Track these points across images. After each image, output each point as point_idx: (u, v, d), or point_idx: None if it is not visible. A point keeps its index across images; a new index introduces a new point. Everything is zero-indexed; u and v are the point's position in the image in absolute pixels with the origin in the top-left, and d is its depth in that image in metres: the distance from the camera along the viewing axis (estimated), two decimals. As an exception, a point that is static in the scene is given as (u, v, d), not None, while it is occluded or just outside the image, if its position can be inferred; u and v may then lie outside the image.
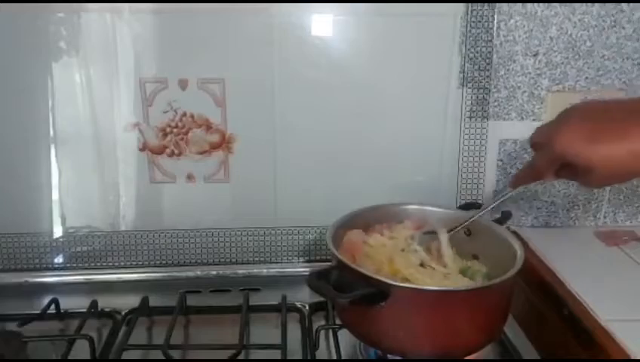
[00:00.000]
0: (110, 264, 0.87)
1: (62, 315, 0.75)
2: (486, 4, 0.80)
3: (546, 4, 0.81)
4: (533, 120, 0.86)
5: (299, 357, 0.68)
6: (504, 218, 0.77)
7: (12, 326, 0.70)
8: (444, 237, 0.71)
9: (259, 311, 0.77)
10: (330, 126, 0.84)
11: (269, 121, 0.83)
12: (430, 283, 0.63)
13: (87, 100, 0.81)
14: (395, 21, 0.80)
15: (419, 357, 0.60)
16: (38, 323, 0.71)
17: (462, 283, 0.66)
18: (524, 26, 0.82)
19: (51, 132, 0.82)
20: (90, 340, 0.67)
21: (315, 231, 0.88)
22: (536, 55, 0.83)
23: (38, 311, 0.73)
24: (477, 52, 0.82)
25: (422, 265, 0.68)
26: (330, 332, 0.71)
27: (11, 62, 0.78)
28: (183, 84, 0.81)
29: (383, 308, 0.58)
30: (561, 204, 0.91)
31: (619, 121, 0.56)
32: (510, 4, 0.81)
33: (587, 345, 0.64)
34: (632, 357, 0.59)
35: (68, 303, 0.76)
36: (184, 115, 0.82)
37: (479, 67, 0.83)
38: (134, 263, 0.87)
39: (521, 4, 0.81)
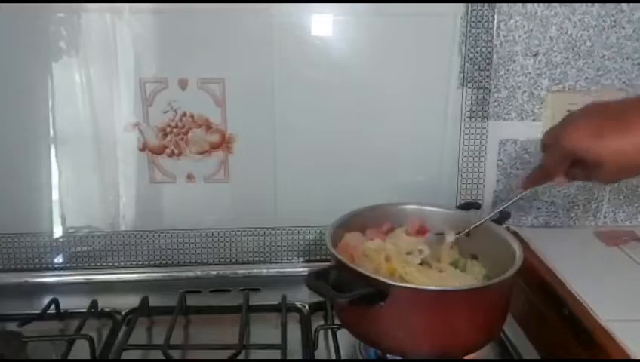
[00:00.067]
0: (110, 264, 0.87)
1: (62, 315, 0.75)
2: (486, 4, 0.80)
3: (546, 4, 0.81)
4: (533, 120, 0.86)
5: (299, 357, 0.68)
6: (503, 218, 0.77)
7: (12, 326, 0.70)
8: (450, 238, 0.72)
9: (259, 311, 0.77)
10: (330, 126, 0.84)
11: (269, 121, 0.83)
12: (427, 281, 0.63)
13: (87, 100, 0.81)
14: (395, 21, 0.80)
15: (418, 357, 0.60)
16: (38, 323, 0.71)
17: (455, 276, 0.66)
18: (524, 26, 0.82)
19: (51, 132, 0.82)
20: (90, 340, 0.67)
21: (315, 231, 0.88)
22: (536, 55, 0.83)
23: (38, 311, 0.73)
24: (477, 52, 0.82)
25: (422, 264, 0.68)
26: (330, 332, 0.71)
27: (11, 62, 0.78)
28: (183, 84, 0.81)
29: (382, 308, 0.58)
30: (561, 204, 0.91)
31: (621, 116, 0.57)
32: (510, 4, 0.81)
33: (587, 345, 0.64)
34: (632, 357, 0.59)
35: (68, 303, 0.77)
36: (184, 115, 0.82)
37: (479, 67, 0.83)
38: (134, 263, 0.87)
39: (521, 4, 0.81)
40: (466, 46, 0.82)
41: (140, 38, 0.79)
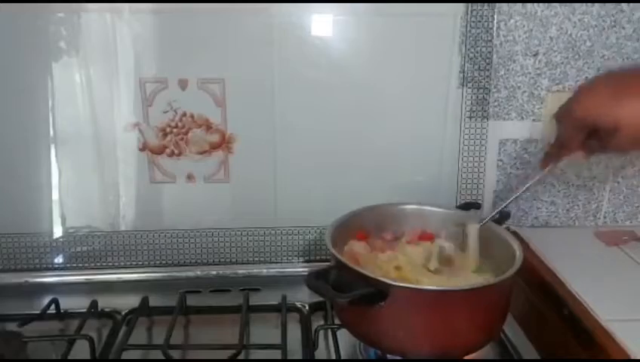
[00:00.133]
0: (110, 264, 0.87)
1: (62, 315, 0.75)
2: (486, 4, 0.80)
3: (546, 4, 0.81)
4: (533, 120, 0.86)
5: (299, 357, 0.68)
6: (503, 218, 0.77)
7: (12, 327, 0.70)
8: (473, 229, 0.71)
9: (259, 311, 0.77)
10: (330, 126, 0.84)
11: (269, 121, 0.83)
12: (429, 282, 0.63)
13: (87, 100, 0.81)
14: (395, 21, 0.80)
15: (418, 357, 0.60)
16: (38, 323, 0.71)
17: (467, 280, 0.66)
18: (524, 26, 0.82)
19: (51, 132, 0.82)
20: (90, 340, 0.67)
21: (315, 231, 0.88)
22: (536, 55, 0.83)
23: (38, 311, 0.73)
24: (477, 52, 0.82)
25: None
26: (330, 332, 0.71)
27: (11, 62, 0.78)
28: (183, 84, 0.81)
29: (382, 308, 0.58)
30: (561, 204, 0.91)
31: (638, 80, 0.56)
32: (510, 4, 0.81)
33: (587, 345, 0.64)
34: (632, 357, 0.59)
35: (68, 303, 0.77)
36: (184, 115, 0.82)
37: (479, 67, 0.83)
38: (134, 263, 0.87)
39: (521, 4, 0.81)
40: (466, 46, 0.82)
41: (140, 38, 0.79)
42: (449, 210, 0.78)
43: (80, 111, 0.81)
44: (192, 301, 0.78)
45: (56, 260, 0.87)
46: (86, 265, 0.87)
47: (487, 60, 0.83)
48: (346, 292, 0.56)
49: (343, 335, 0.68)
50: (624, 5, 0.82)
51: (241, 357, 0.65)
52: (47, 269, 0.86)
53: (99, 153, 0.83)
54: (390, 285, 0.57)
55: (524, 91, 0.85)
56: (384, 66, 0.82)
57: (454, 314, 0.59)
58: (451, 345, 0.61)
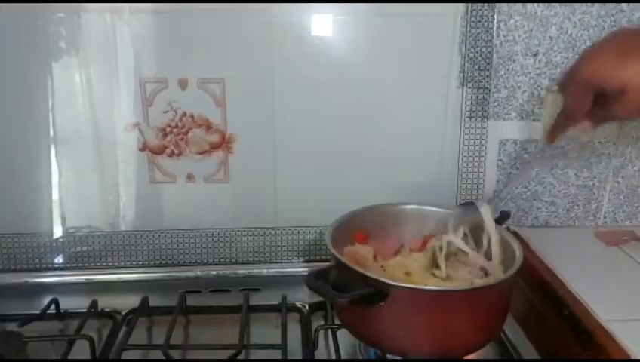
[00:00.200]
0: (110, 264, 0.87)
1: (62, 315, 0.75)
2: (486, 4, 0.80)
3: (546, 4, 0.81)
4: (533, 120, 0.86)
5: (299, 357, 0.68)
6: (503, 218, 0.77)
7: (12, 327, 0.70)
8: (485, 210, 0.69)
9: (259, 311, 0.77)
10: (330, 126, 0.84)
11: (269, 121, 0.83)
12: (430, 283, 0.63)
13: (87, 100, 0.81)
14: (395, 21, 0.80)
15: (418, 357, 0.60)
16: (38, 323, 0.71)
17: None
18: (524, 26, 0.82)
19: (51, 132, 0.82)
20: (90, 340, 0.67)
21: (315, 231, 0.88)
22: (536, 55, 0.83)
23: (38, 311, 0.73)
24: (477, 52, 0.82)
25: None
26: (330, 332, 0.71)
27: (11, 62, 0.78)
28: (183, 84, 0.81)
29: (382, 308, 0.58)
30: (561, 204, 0.91)
31: None
32: (510, 4, 0.81)
33: (587, 345, 0.64)
34: (632, 357, 0.59)
35: (68, 303, 0.77)
36: (184, 115, 0.82)
37: (479, 67, 0.83)
38: (134, 263, 0.87)
39: (521, 4, 0.81)
40: (466, 46, 0.82)
41: (140, 38, 0.79)
42: (449, 210, 0.78)
43: (80, 111, 0.81)
44: (192, 301, 0.78)
45: (56, 260, 0.87)
46: (86, 265, 0.87)
47: (487, 60, 0.83)
48: (346, 292, 0.56)
49: (343, 335, 0.68)
50: (624, 5, 0.82)
51: (241, 357, 0.65)
52: (47, 269, 0.86)
53: (99, 153, 0.83)
54: (390, 285, 0.57)
55: (524, 91, 0.85)
56: (384, 66, 0.82)
57: (454, 314, 0.59)
58: (451, 345, 0.61)
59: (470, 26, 0.81)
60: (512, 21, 0.82)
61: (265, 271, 0.88)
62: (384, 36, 0.81)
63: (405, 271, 0.67)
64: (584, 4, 0.81)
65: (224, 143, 0.84)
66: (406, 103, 0.84)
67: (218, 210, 0.87)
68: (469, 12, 0.81)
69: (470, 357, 0.64)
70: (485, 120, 0.85)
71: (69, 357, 0.66)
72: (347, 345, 0.70)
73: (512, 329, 0.72)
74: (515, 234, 0.80)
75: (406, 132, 0.85)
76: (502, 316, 0.65)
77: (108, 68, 0.80)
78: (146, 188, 0.85)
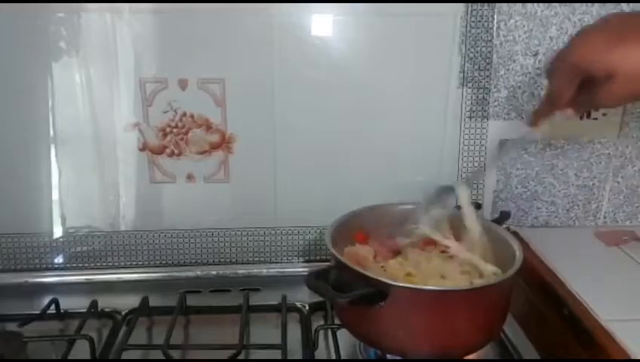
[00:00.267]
0: (110, 264, 0.87)
1: (62, 315, 0.75)
2: (486, 4, 0.80)
3: (546, 4, 0.81)
4: (533, 120, 0.86)
5: (299, 357, 0.68)
6: (503, 218, 0.77)
7: (12, 327, 0.70)
8: (463, 193, 0.69)
9: (259, 311, 0.77)
10: (330, 126, 0.84)
11: (269, 121, 0.83)
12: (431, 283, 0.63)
13: (87, 100, 0.81)
14: (395, 21, 0.80)
15: (418, 357, 0.60)
16: (38, 323, 0.71)
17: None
18: (524, 26, 0.82)
19: (51, 132, 0.82)
20: (90, 340, 0.67)
21: (315, 231, 0.88)
22: (536, 55, 0.83)
23: (38, 311, 0.73)
24: (477, 52, 0.82)
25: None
26: (330, 332, 0.71)
27: (11, 62, 0.78)
28: (183, 84, 0.81)
29: (382, 308, 0.58)
30: (561, 204, 0.91)
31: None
32: (510, 4, 0.81)
33: (587, 345, 0.64)
34: (632, 357, 0.59)
35: (68, 303, 0.77)
36: (184, 115, 0.82)
37: (479, 67, 0.83)
38: (134, 263, 0.88)
39: (521, 4, 0.81)
40: (466, 46, 0.82)
41: (140, 38, 0.79)
42: (449, 210, 0.78)
43: (80, 111, 0.81)
44: (192, 301, 0.78)
45: (56, 260, 0.87)
46: (86, 265, 0.87)
47: (487, 60, 0.83)
48: (346, 292, 0.56)
49: (343, 335, 0.68)
50: (624, 5, 0.82)
51: (241, 357, 0.65)
52: (47, 269, 0.86)
53: (99, 153, 0.83)
54: (390, 285, 0.57)
55: (524, 91, 0.85)
56: (384, 66, 0.82)
57: (454, 314, 0.59)
58: (451, 345, 0.61)
59: (470, 26, 0.81)
60: (512, 21, 0.82)
61: (265, 271, 0.88)
62: (384, 36, 0.81)
63: (405, 271, 0.67)
64: (584, 4, 0.81)
65: (224, 143, 0.84)
66: (406, 103, 0.84)
67: (218, 210, 0.87)
68: (469, 12, 0.81)
69: (470, 357, 0.64)
70: (485, 120, 0.85)
71: (69, 357, 0.66)
72: (347, 345, 0.70)
73: (512, 329, 0.72)
74: (515, 234, 0.80)
75: (406, 132, 0.85)
76: (502, 316, 0.65)
77: (108, 68, 0.80)
78: (146, 188, 0.85)
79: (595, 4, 0.81)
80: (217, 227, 0.87)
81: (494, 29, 0.81)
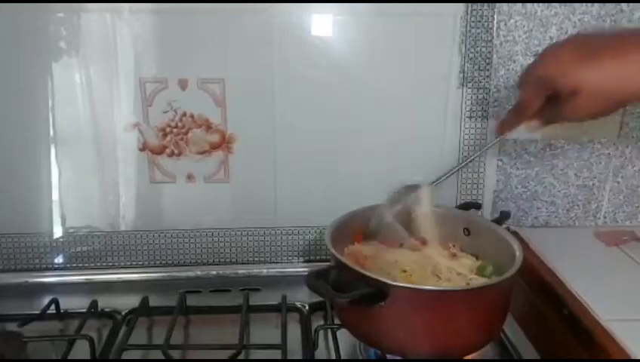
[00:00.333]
0: (110, 264, 0.87)
1: (62, 315, 0.75)
2: (486, 4, 0.80)
3: (546, 4, 0.81)
4: (533, 120, 0.86)
5: (299, 357, 0.68)
6: (503, 218, 0.77)
7: (12, 327, 0.70)
8: (425, 192, 0.71)
9: (259, 311, 0.77)
10: (330, 126, 0.84)
11: (269, 121, 0.83)
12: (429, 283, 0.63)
13: (87, 100, 0.81)
14: (395, 21, 0.80)
15: (418, 357, 0.60)
16: (38, 323, 0.71)
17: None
18: (524, 26, 0.82)
19: (51, 132, 0.82)
20: (90, 340, 0.67)
21: (315, 231, 0.88)
22: (536, 55, 0.83)
23: (38, 311, 0.73)
24: (477, 52, 0.82)
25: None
26: (330, 332, 0.71)
27: (11, 62, 0.78)
28: (183, 84, 0.81)
29: (382, 308, 0.58)
30: (561, 204, 0.91)
31: (616, 44, 0.56)
32: (510, 4, 0.81)
33: (587, 345, 0.64)
34: (632, 357, 0.59)
35: (68, 303, 0.76)
36: (184, 115, 0.82)
37: (479, 67, 0.83)
38: (134, 263, 0.87)
39: (521, 4, 0.81)
40: (466, 46, 0.82)
41: (140, 38, 0.79)
42: (449, 210, 0.78)
43: (80, 111, 0.81)
44: (192, 301, 0.78)
45: (56, 260, 0.87)
46: (86, 265, 0.87)
47: (487, 60, 0.83)
48: (346, 292, 0.56)
49: (343, 335, 0.68)
50: (624, 5, 0.82)
51: (241, 357, 0.65)
52: (47, 269, 0.86)
53: (99, 153, 0.83)
54: (390, 285, 0.57)
55: (524, 91, 0.85)
56: (384, 66, 0.82)
57: (454, 314, 0.59)
58: (451, 345, 0.61)
59: (470, 26, 0.81)
60: (512, 21, 0.82)
61: (265, 271, 0.88)
62: (384, 36, 0.81)
63: (405, 271, 0.67)
64: (584, 4, 0.81)
65: (224, 143, 0.84)
66: (406, 103, 0.84)
67: (218, 210, 0.87)
68: (469, 12, 0.81)
69: (470, 357, 0.64)
70: (485, 120, 0.85)
71: (69, 357, 0.66)
72: (347, 345, 0.70)
73: (512, 329, 0.72)
74: (515, 234, 0.80)
75: (406, 132, 0.85)
76: (502, 316, 0.65)
77: (108, 68, 0.80)
78: (146, 188, 0.85)
79: (595, 4, 0.81)
80: (217, 227, 0.87)
81: (494, 29, 0.81)
